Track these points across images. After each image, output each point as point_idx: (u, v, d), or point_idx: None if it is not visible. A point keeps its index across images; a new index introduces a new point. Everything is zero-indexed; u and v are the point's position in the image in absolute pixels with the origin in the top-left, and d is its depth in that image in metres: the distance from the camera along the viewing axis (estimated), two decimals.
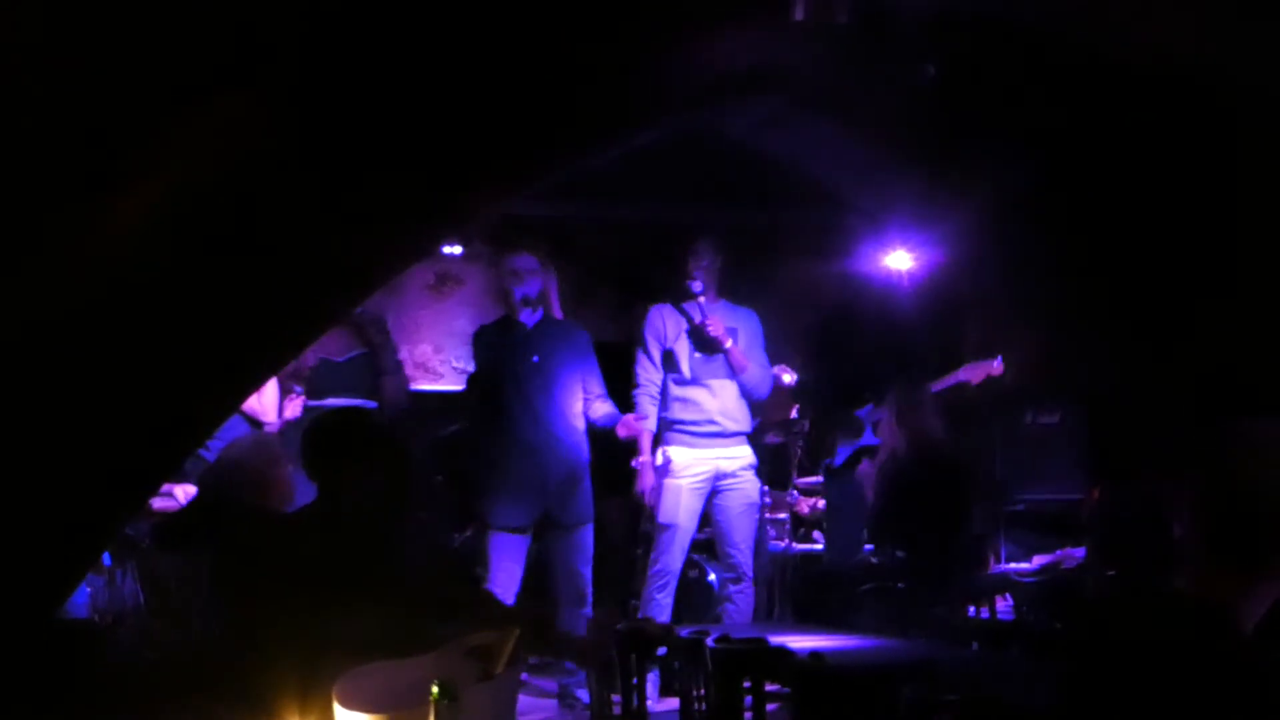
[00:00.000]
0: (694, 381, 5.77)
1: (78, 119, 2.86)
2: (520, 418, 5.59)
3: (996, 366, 6.27)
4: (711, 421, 5.77)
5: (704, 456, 5.75)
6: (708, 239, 5.91)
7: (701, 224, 6.80)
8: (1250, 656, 1.89)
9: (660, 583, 5.67)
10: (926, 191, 5.29)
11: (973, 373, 6.33)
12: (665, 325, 5.84)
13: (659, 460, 5.73)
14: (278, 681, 2.98)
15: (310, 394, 5.68)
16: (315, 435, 3.87)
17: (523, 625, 3.39)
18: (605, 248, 8.23)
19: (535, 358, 5.63)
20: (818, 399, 7.30)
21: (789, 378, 7.00)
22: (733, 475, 5.79)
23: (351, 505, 3.61)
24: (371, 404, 5.81)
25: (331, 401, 5.62)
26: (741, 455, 5.84)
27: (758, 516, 5.95)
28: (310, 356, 5.77)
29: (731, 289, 6.04)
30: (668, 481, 5.70)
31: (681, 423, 5.77)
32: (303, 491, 4.03)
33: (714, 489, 5.77)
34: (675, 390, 5.79)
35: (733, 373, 5.81)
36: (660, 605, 5.63)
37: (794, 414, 6.95)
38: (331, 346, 5.87)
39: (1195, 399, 4.27)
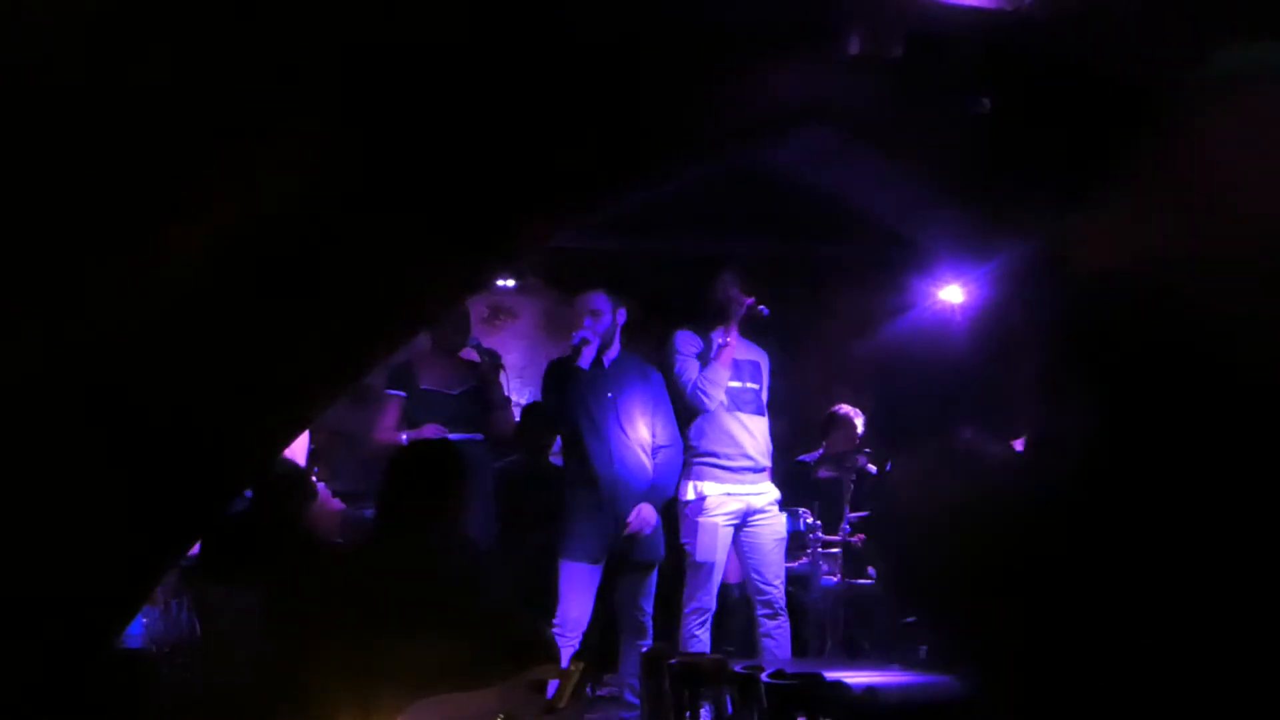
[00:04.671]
0: (728, 412, 5.74)
1: (144, 147, 2.90)
2: (598, 454, 5.58)
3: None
4: (746, 456, 5.74)
5: (736, 492, 5.71)
6: (738, 271, 5.93)
7: (752, 256, 6.79)
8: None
9: (699, 620, 5.63)
10: (980, 225, 5.25)
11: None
12: (694, 348, 5.83)
13: (690, 495, 5.70)
14: (335, 713, 2.98)
15: (415, 424, 5.73)
16: (408, 464, 3.88)
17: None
18: (656, 280, 8.23)
19: (610, 394, 5.64)
20: (877, 432, 7.25)
21: (860, 421, 7.01)
22: (762, 511, 5.77)
23: (437, 536, 3.61)
24: (477, 436, 5.81)
25: (430, 430, 5.65)
26: (769, 491, 5.85)
27: (786, 549, 5.93)
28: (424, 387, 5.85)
29: (782, 322, 6.02)
30: (703, 520, 5.65)
31: (714, 455, 5.73)
32: None
33: (743, 523, 5.74)
34: (707, 421, 5.77)
35: (762, 408, 5.80)
36: (700, 641, 5.59)
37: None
38: (446, 379, 5.89)
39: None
